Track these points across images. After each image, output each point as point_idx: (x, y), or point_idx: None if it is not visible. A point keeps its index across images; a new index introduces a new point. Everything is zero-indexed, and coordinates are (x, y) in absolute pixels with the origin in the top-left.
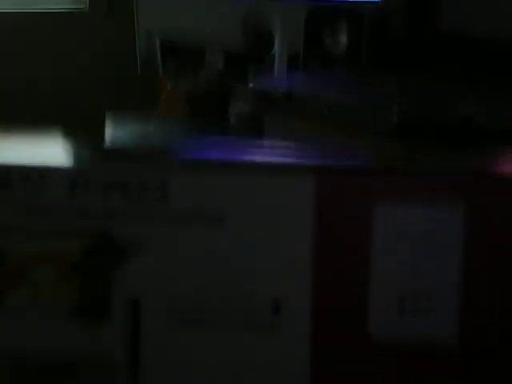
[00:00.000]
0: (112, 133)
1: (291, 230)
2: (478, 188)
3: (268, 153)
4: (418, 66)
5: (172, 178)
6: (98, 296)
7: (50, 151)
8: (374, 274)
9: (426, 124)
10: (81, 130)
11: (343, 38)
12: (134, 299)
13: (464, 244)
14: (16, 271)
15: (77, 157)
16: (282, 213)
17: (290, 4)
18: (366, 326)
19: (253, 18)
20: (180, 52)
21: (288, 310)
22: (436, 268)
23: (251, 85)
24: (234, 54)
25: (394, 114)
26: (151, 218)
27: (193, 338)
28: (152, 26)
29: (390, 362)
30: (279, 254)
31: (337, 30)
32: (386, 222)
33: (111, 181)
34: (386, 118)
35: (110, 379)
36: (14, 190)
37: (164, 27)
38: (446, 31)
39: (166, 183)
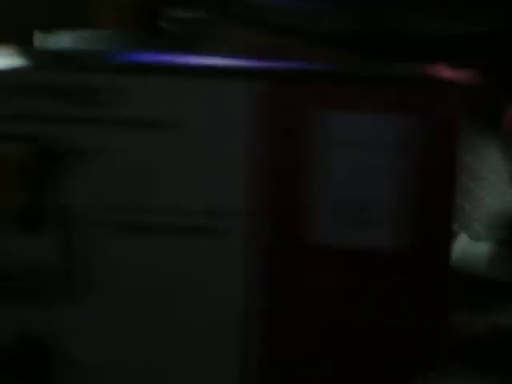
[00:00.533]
0: (44, 42)
1: (228, 136)
2: (413, 95)
3: (204, 58)
4: None
5: (110, 82)
6: (32, 204)
7: None
8: (310, 183)
9: (367, 34)
10: (13, 40)
11: None
12: (69, 207)
13: (400, 153)
14: None
15: (16, 62)
16: (219, 118)
17: None
18: (303, 234)
19: None
20: None
21: (224, 216)
22: (372, 177)
23: None
24: None
25: (338, 22)
26: (93, 124)
27: (131, 242)
28: None
29: (327, 270)
30: (215, 159)
31: None
32: (322, 130)
33: (53, 85)
34: (329, 25)
35: (48, 289)
36: None
37: None
38: None
39: (104, 87)
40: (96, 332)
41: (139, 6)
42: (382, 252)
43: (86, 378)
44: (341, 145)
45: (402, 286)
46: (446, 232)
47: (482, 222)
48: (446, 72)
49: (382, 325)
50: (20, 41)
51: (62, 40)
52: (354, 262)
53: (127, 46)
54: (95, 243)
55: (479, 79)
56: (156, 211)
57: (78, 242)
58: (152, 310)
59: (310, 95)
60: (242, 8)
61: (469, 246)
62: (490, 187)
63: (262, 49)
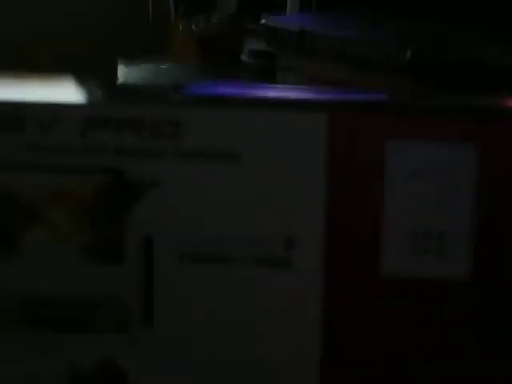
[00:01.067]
0: (124, 74)
1: (304, 166)
2: (490, 126)
3: (281, 90)
4: (431, 6)
5: (185, 115)
6: (110, 235)
7: (62, 91)
8: (386, 212)
9: (438, 63)
10: (93, 73)
11: None
12: (146, 238)
13: (477, 182)
14: (29, 211)
15: (89, 95)
16: (295, 149)
17: None
18: (378, 263)
19: None
20: None
21: (300, 247)
22: (449, 206)
23: (263, 21)
24: None
25: (408, 53)
26: (164, 156)
27: (205, 275)
28: None
29: (401, 299)
30: (292, 191)
31: None
32: (398, 159)
33: (124, 118)
34: (398, 56)
35: (123, 319)
36: (26, 128)
37: None
38: None
39: (178, 120)
40: (170, 361)
41: (219, 40)
42: (458, 281)
43: None
44: (417, 174)
45: (479, 315)
46: None
47: None
48: None
49: (461, 355)
50: (101, 73)
51: (143, 72)
52: (430, 292)
53: (206, 79)
54: (172, 273)
55: None
56: (231, 242)
57: (155, 273)
58: (225, 342)
59: (387, 126)
60: (319, 41)
61: None
62: None
63: (338, 81)
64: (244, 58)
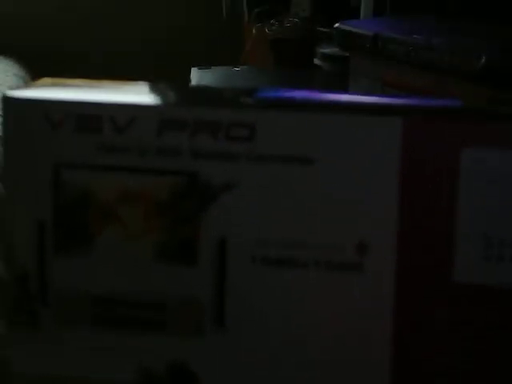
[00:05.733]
0: (198, 77)
1: (377, 170)
2: None
3: (355, 94)
4: (508, 12)
5: (259, 118)
6: (184, 236)
7: (138, 94)
8: (459, 218)
9: None
10: (169, 77)
11: None
12: (220, 239)
13: None
14: (104, 210)
15: (165, 98)
16: (369, 153)
17: None
18: (451, 269)
19: None
20: None
21: (373, 251)
22: None
23: (337, 25)
24: None
25: (482, 59)
26: (238, 159)
27: (277, 277)
28: None
29: (474, 306)
30: (365, 195)
31: None
32: (474, 166)
33: (199, 120)
34: (473, 62)
35: (196, 320)
36: (103, 128)
37: None
38: None
39: (253, 123)
40: (242, 365)
41: (292, 43)
42: None
43: None
44: (492, 181)
45: None
46: None
47: None
48: None
49: None
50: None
51: (216, 75)
52: (504, 300)
53: (279, 82)
54: (244, 276)
55: None
56: (303, 245)
57: (228, 275)
58: (295, 345)
59: (463, 132)
60: (393, 45)
61: None
62: None
63: (412, 86)
64: (317, 61)
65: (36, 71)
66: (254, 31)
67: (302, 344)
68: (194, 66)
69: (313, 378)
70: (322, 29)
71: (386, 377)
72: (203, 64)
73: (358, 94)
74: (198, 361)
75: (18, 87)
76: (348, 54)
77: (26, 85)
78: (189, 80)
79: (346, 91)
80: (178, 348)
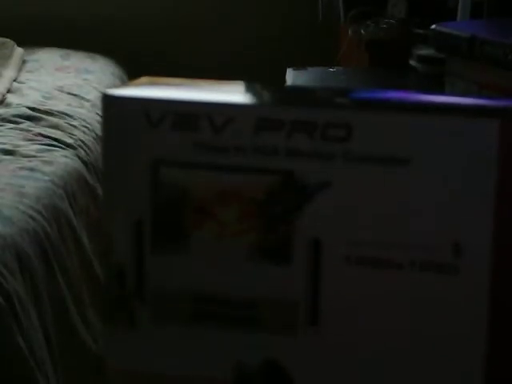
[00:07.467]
0: (293, 78)
1: (473, 171)
2: None
3: (450, 96)
4: None
5: (355, 119)
6: (279, 236)
7: (235, 94)
8: None
9: None
10: (264, 78)
11: None
12: (314, 239)
13: None
14: (200, 209)
15: (261, 98)
16: (464, 154)
17: None
18: None
19: None
20: None
21: (468, 253)
22: None
23: (434, 26)
24: (416, 1)
25: None
26: (334, 159)
27: (371, 278)
28: None
29: None
30: (460, 196)
31: None
32: None
33: (295, 120)
34: None
35: (289, 319)
36: (200, 127)
37: None
38: None
39: (349, 123)
40: (335, 365)
41: (388, 44)
42: None
43: None
44: None
45: None
46: None
47: None
48: None
49: None
50: (271, 77)
51: (311, 76)
52: None
53: (375, 83)
54: (337, 276)
55: None
56: (397, 246)
57: (322, 275)
58: (389, 346)
59: None
60: (489, 47)
61: None
62: None
63: (509, 88)
64: (412, 62)
65: (133, 71)
66: (349, 32)
67: (393, 345)
68: (289, 67)
69: (403, 380)
70: (417, 30)
71: (478, 377)
72: (298, 65)
73: (453, 96)
74: (290, 359)
75: (117, 86)
76: (444, 56)
77: (126, 84)
78: (285, 80)
79: (441, 93)
80: (271, 347)
